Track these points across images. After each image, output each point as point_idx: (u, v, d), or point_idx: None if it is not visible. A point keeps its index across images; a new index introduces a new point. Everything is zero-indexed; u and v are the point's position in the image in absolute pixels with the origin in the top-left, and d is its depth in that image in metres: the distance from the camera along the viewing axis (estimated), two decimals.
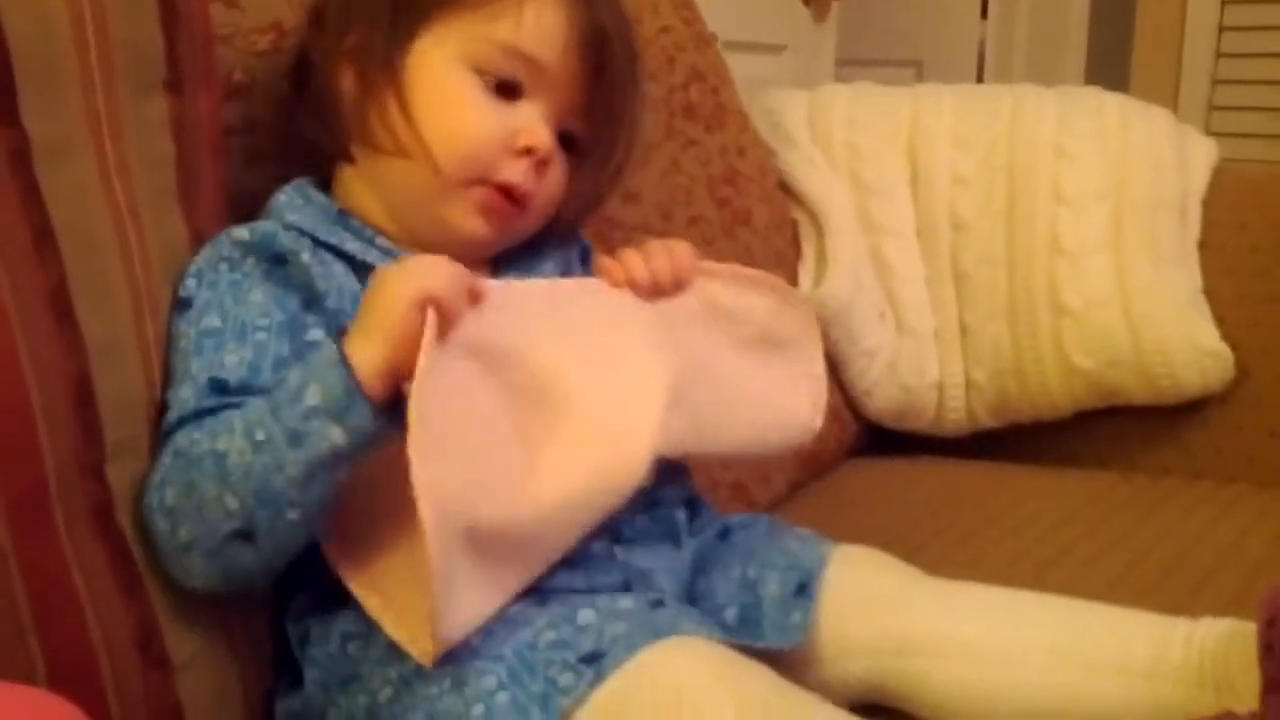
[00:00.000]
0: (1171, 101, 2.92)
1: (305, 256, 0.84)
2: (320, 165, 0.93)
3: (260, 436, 0.73)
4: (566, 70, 0.89)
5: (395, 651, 0.77)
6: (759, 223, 1.41)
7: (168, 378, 0.79)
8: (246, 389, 0.78)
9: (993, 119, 1.50)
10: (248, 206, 0.89)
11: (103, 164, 0.76)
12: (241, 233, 0.83)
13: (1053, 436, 1.49)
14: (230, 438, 0.74)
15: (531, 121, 0.88)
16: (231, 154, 0.91)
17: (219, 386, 0.78)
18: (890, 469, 1.45)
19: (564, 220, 0.95)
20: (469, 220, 0.88)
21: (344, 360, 0.73)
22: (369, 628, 0.78)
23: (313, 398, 0.73)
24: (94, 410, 0.74)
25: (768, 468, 1.31)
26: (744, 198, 1.39)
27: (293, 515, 0.74)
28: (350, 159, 0.91)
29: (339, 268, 0.86)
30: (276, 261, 0.83)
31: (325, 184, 0.92)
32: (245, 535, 0.74)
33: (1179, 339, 1.40)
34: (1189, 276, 1.44)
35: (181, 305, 0.81)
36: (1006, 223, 1.46)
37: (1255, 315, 1.43)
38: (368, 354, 0.73)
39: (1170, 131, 1.48)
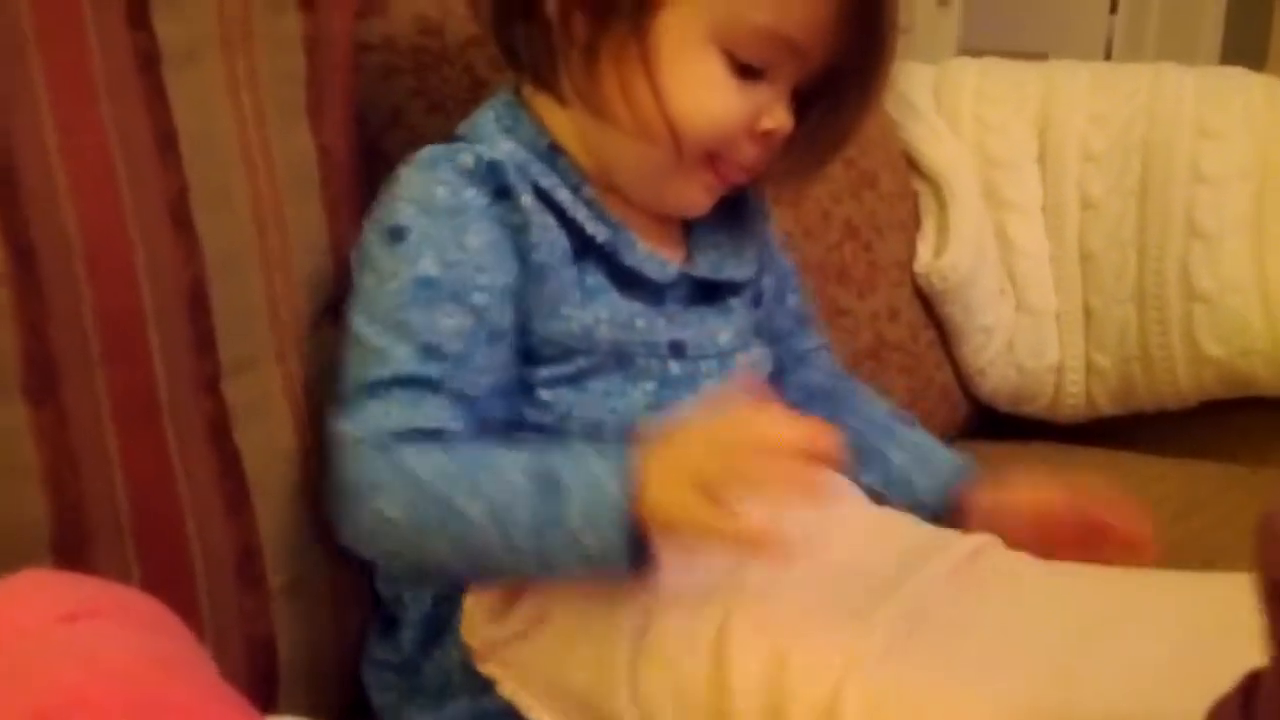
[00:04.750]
0: None
1: (526, 200, 0.78)
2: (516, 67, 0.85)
3: (517, 541, 0.68)
4: (822, 45, 0.80)
5: None
6: (885, 188, 1.38)
7: (365, 306, 0.76)
8: (462, 363, 0.74)
9: (1130, 95, 1.43)
10: (380, 122, 0.88)
11: (231, 74, 0.75)
12: (465, 158, 0.77)
13: (1175, 428, 1.43)
14: (483, 510, 0.69)
15: (775, 104, 0.81)
16: (365, 70, 0.90)
17: (437, 354, 0.73)
18: (1002, 450, 1.39)
19: (773, 178, 0.88)
20: (692, 197, 0.84)
21: (634, 535, 0.66)
22: (459, 589, 0.77)
23: (591, 539, 0.67)
24: (209, 322, 0.73)
25: None
26: (869, 160, 1.36)
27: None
28: (559, 99, 0.82)
29: (551, 219, 0.79)
30: (500, 194, 0.78)
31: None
32: (442, 569, 0.75)
33: None
34: None
35: (394, 235, 0.76)
36: (1139, 202, 1.40)
37: None
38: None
39: None
